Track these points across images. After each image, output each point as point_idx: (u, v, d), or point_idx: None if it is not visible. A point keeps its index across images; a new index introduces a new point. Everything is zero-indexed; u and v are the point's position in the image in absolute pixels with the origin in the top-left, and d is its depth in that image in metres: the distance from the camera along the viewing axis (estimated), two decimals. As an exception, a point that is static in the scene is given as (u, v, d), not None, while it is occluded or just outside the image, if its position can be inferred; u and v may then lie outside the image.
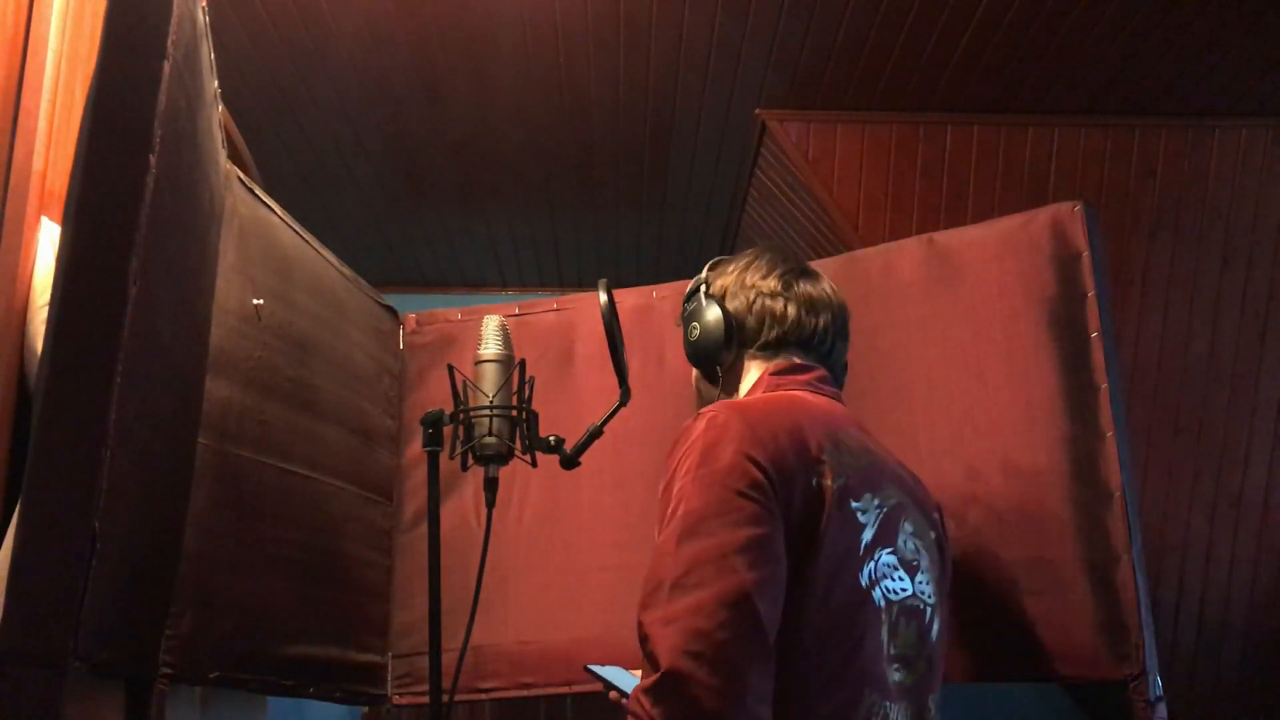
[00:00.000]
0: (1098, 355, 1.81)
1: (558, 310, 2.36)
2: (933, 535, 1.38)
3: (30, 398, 1.23)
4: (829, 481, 1.19)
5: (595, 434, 1.55)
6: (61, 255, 1.11)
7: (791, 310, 1.41)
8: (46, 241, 1.30)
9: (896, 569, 1.26)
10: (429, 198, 3.56)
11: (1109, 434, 1.78)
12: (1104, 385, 1.80)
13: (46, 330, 1.09)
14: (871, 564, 1.22)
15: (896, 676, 1.22)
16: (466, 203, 3.61)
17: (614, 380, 1.52)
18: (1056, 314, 1.87)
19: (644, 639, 1.08)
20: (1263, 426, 3.13)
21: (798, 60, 2.77)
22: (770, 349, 1.41)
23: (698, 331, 1.44)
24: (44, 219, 1.31)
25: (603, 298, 1.50)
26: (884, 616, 1.22)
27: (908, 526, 1.31)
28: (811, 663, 1.14)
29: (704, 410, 1.22)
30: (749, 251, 1.50)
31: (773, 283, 1.43)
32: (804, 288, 1.44)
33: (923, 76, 2.83)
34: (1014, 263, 1.93)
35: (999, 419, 1.89)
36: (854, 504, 1.22)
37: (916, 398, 2.00)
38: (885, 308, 2.05)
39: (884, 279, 2.07)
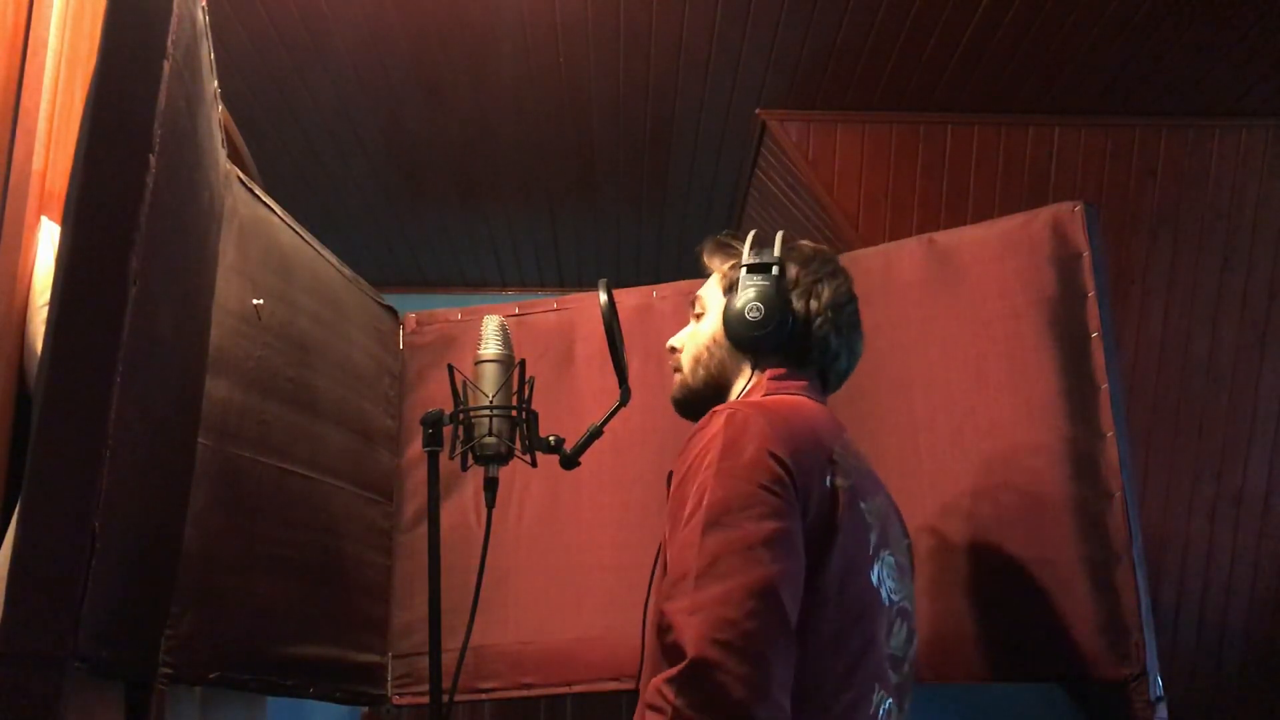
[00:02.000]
0: (1098, 355, 1.81)
1: (558, 310, 2.36)
2: (907, 543, 1.43)
3: (30, 398, 1.23)
4: (841, 481, 1.22)
5: (595, 434, 1.55)
6: (61, 255, 1.11)
7: (843, 358, 1.43)
8: (46, 241, 1.30)
9: (894, 571, 1.30)
10: (429, 198, 3.56)
11: (1109, 434, 1.77)
12: (1104, 385, 1.80)
13: (46, 330, 1.09)
14: (878, 565, 1.26)
15: (891, 676, 1.25)
16: (466, 203, 3.60)
17: (614, 380, 1.52)
18: (1057, 314, 1.87)
19: (666, 629, 1.08)
20: (1263, 426, 3.13)
21: (798, 60, 2.77)
22: (792, 361, 1.40)
23: (759, 315, 1.36)
24: (44, 219, 1.31)
25: (603, 298, 1.49)
26: (886, 617, 1.25)
27: (895, 532, 1.37)
28: (828, 659, 1.16)
29: (720, 408, 1.23)
30: (822, 250, 1.47)
31: (836, 313, 1.41)
32: (856, 330, 1.46)
33: (923, 76, 2.83)
34: (1014, 263, 1.93)
35: (999, 419, 1.89)
36: (862, 505, 1.25)
37: (917, 397, 2.00)
38: (885, 308, 2.04)
39: (884, 279, 2.07)
